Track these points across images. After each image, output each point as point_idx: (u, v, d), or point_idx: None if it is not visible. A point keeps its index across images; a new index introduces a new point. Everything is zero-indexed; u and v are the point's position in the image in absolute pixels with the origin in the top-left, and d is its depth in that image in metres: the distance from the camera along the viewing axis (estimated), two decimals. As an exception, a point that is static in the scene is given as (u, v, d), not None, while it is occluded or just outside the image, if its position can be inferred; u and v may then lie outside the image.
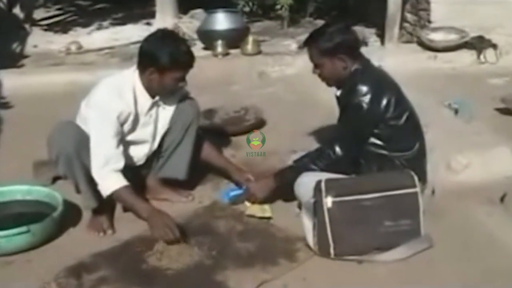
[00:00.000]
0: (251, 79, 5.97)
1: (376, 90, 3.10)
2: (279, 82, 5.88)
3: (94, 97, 3.17)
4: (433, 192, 3.38)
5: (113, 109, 3.12)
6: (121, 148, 3.16)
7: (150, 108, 3.30)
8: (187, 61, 3.20)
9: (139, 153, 3.40)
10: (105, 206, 3.27)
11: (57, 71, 6.21)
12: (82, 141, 3.10)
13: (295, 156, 3.38)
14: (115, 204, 3.38)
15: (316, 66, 3.23)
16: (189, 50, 3.23)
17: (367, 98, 3.07)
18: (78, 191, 3.21)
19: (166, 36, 3.23)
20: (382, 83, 3.18)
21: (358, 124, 3.13)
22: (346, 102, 3.16)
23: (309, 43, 3.24)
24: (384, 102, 3.10)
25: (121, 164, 3.14)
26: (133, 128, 3.27)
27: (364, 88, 3.08)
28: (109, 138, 3.11)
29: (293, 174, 3.22)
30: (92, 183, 3.15)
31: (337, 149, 3.12)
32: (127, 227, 3.26)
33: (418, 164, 3.19)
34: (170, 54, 3.12)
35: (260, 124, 4.67)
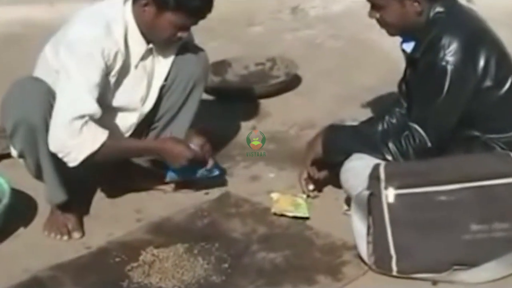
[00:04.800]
0: (281, 18, 5.98)
1: (469, 46, 3.04)
2: (320, 23, 5.87)
3: (70, 32, 3.16)
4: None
5: (96, 41, 3.11)
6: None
7: (143, 57, 3.32)
8: (198, 7, 3.18)
9: (124, 125, 3.41)
10: (73, 198, 3.30)
11: (5, 3, 6.18)
12: (52, 107, 3.10)
13: None
14: (85, 197, 3.43)
15: (376, 7, 3.16)
16: None
17: (457, 58, 3.01)
18: (38, 176, 3.23)
19: None
20: (477, 34, 3.13)
21: (447, 98, 3.05)
22: (426, 64, 3.11)
23: None
24: (481, 63, 3.06)
25: (98, 114, 3.14)
26: (120, 80, 3.26)
27: (451, 44, 3.02)
28: (89, 81, 3.09)
29: (347, 137, 3.26)
30: (61, 168, 3.17)
31: (421, 132, 3.06)
32: (101, 228, 3.29)
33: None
34: None
35: (292, 82, 4.68)
